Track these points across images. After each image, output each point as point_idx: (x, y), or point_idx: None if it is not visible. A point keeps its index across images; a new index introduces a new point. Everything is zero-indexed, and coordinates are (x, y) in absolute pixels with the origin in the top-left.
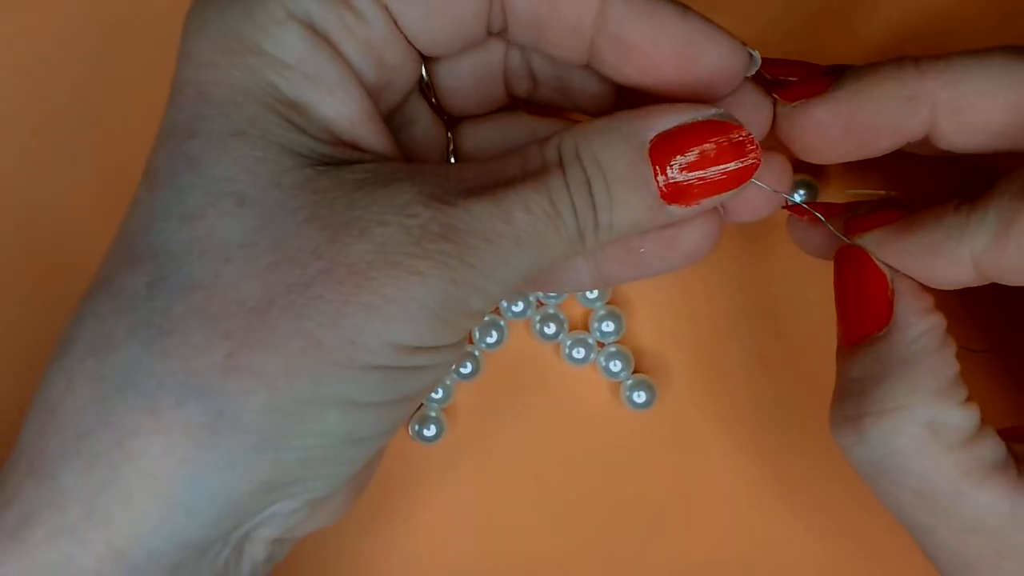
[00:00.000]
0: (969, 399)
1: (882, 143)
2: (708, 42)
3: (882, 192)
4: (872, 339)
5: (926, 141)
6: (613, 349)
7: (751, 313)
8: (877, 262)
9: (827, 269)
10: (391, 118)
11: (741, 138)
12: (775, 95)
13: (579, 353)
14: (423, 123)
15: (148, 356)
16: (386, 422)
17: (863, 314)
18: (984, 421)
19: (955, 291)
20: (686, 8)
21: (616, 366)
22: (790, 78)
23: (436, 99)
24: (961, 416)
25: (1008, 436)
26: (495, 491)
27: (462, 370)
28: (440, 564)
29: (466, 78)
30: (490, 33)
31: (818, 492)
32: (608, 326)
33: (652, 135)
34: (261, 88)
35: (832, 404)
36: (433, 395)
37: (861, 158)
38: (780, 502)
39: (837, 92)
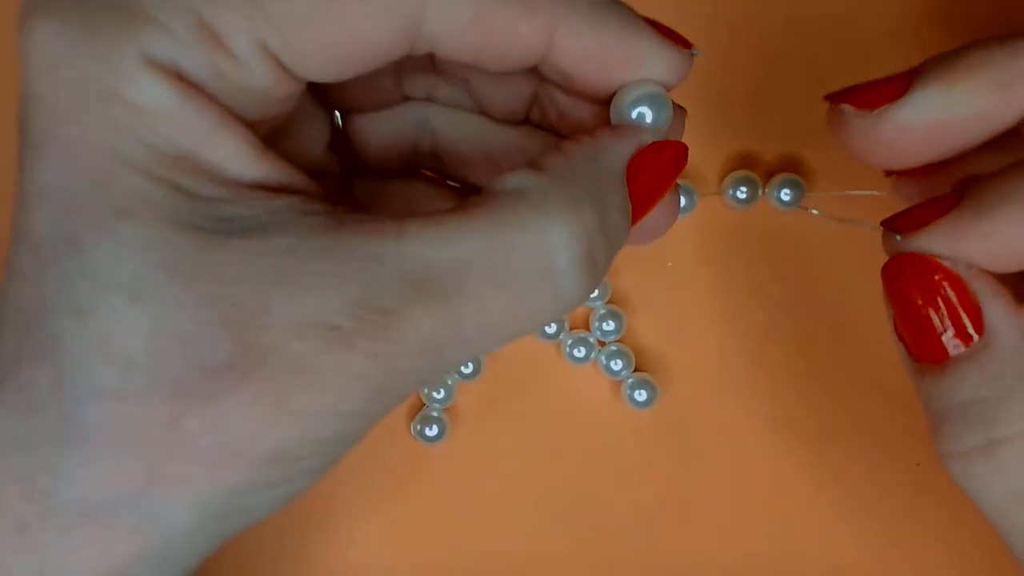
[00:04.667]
0: None
1: (973, 137)
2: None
3: (875, 192)
4: (969, 353)
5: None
6: (614, 348)
7: (751, 313)
8: (944, 263)
9: (827, 269)
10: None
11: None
12: (845, 103)
13: (580, 352)
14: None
15: (69, 463)
16: (310, 482)
17: (955, 327)
18: None
19: None
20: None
21: (617, 365)
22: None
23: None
24: None
25: None
26: (496, 490)
27: (463, 370)
28: (441, 564)
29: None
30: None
31: (817, 491)
32: (609, 325)
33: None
34: (136, 150)
35: (937, 436)
36: (435, 395)
37: (947, 157)
38: (780, 501)
39: (920, 90)
